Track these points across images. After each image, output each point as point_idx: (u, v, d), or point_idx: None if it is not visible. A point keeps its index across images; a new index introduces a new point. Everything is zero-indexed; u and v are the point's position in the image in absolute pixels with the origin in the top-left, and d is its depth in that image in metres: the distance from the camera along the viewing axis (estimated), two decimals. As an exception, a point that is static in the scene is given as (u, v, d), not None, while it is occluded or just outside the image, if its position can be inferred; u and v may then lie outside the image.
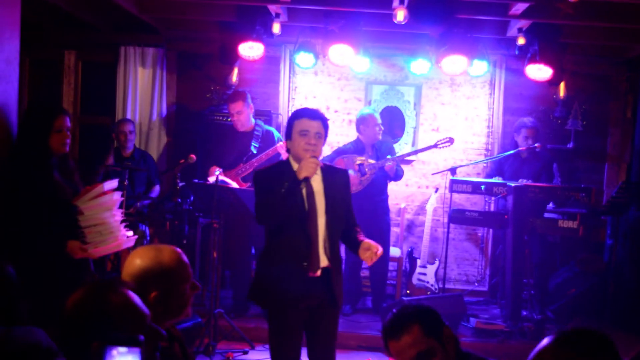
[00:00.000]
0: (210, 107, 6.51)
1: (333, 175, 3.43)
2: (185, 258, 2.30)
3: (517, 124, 6.14)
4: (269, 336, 3.43)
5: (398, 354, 2.22)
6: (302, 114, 3.34)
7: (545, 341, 1.74)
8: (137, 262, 2.21)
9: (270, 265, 3.36)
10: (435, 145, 5.86)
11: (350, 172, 5.65)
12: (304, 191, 3.29)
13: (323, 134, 3.35)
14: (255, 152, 5.56)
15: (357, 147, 5.90)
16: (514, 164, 6.09)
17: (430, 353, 2.20)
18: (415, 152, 6.14)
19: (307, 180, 3.24)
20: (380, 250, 3.27)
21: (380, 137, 5.92)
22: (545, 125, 6.59)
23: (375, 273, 6.02)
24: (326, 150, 6.37)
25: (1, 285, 2.28)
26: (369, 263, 3.29)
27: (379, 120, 5.89)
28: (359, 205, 5.70)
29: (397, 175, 5.90)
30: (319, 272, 3.32)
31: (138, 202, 5.73)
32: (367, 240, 3.31)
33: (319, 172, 3.37)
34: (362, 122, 5.88)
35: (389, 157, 5.76)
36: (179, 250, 2.30)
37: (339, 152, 5.91)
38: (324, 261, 3.34)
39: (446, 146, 5.88)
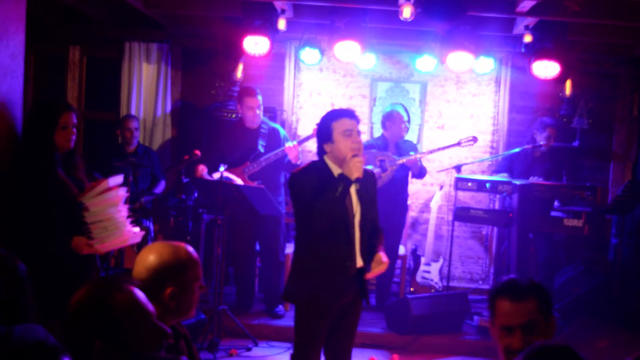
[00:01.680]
0: (215, 103, 6.50)
1: (364, 177, 3.43)
2: (197, 256, 2.33)
3: (539, 123, 6.06)
4: (299, 332, 3.42)
5: (508, 315, 2.20)
6: (341, 114, 3.35)
7: None
8: (152, 257, 2.24)
9: (312, 266, 3.37)
10: (459, 144, 5.84)
11: (370, 167, 5.66)
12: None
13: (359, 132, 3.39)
14: (262, 150, 5.54)
15: (381, 143, 5.90)
16: (524, 162, 6.07)
17: (537, 328, 2.19)
18: (439, 150, 6.01)
19: (358, 180, 3.27)
20: (383, 268, 3.36)
21: (405, 134, 5.92)
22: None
23: (383, 272, 6.01)
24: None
25: (12, 283, 2.28)
26: (368, 275, 3.38)
27: (406, 118, 5.89)
28: (380, 202, 5.71)
29: (421, 173, 5.91)
30: (355, 272, 3.38)
31: (142, 197, 5.73)
32: (378, 254, 3.37)
33: None
34: (389, 119, 5.88)
35: (411, 153, 5.76)
36: (192, 248, 2.33)
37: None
38: (359, 261, 3.39)
39: (470, 144, 5.86)
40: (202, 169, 5.42)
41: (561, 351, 1.71)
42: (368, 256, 3.43)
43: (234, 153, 5.58)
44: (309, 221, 3.33)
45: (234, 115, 6.22)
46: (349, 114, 3.35)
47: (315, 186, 3.26)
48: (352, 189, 3.35)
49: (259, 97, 5.55)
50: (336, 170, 3.33)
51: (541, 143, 5.91)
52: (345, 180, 3.24)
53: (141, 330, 1.81)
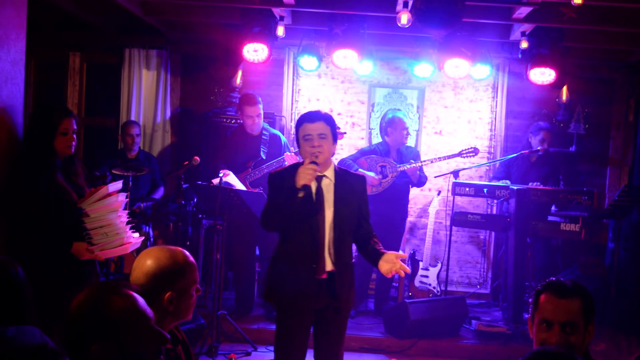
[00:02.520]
0: (214, 109, 6.53)
1: (347, 180, 3.41)
2: (194, 260, 2.35)
3: (534, 127, 6.13)
4: (275, 335, 3.44)
5: (550, 309, 2.27)
6: (303, 119, 3.33)
7: None
8: (150, 262, 2.24)
9: (280, 267, 3.38)
10: (460, 154, 5.87)
11: (372, 173, 5.69)
12: (314, 194, 3.29)
13: (328, 133, 3.30)
14: (264, 157, 5.57)
15: (382, 150, 5.91)
16: (521, 167, 6.11)
17: (576, 328, 2.25)
18: (439, 159, 6.06)
19: (305, 188, 3.19)
20: (406, 268, 3.24)
21: (406, 141, 5.94)
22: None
23: (383, 277, 6.03)
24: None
25: (11, 287, 2.30)
26: (388, 275, 3.26)
27: (408, 124, 5.91)
28: (379, 208, 5.75)
29: (420, 182, 5.92)
30: (324, 275, 3.32)
31: (142, 203, 5.76)
32: (391, 253, 3.29)
33: (331, 176, 3.36)
34: (390, 125, 5.88)
35: (412, 161, 5.77)
36: (188, 252, 2.35)
37: (363, 153, 5.94)
38: (328, 265, 3.33)
39: (470, 156, 5.88)
40: (227, 173, 5.42)
41: (560, 356, 1.72)
42: (372, 259, 3.37)
43: (236, 159, 5.61)
44: (266, 226, 3.38)
45: (233, 121, 6.26)
46: (309, 117, 3.31)
47: (281, 188, 3.26)
48: (327, 191, 3.34)
49: (259, 105, 5.58)
50: None
51: (538, 148, 5.95)
52: (290, 188, 3.20)
53: (139, 335, 1.81)
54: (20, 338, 2.15)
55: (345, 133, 5.58)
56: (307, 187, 3.20)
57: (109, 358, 1.78)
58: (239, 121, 5.84)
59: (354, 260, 3.53)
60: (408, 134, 5.93)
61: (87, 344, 1.76)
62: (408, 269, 3.27)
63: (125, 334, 1.79)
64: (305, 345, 3.40)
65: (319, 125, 3.27)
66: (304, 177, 3.17)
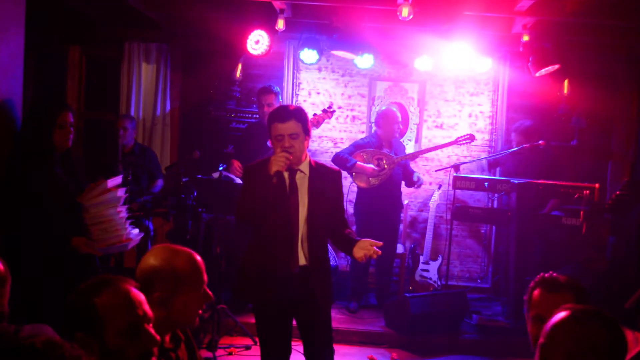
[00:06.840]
0: (214, 103, 6.51)
1: (323, 174, 3.38)
2: (200, 265, 2.25)
3: (522, 129, 6.07)
4: (256, 330, 3.42)
5: (540, 305, 2.29)
6: (274, 118, 3.27)
7: (561, 315, 1.78)
8: (150, 260, 2.21)
9: (252, 261, 3.36)
10: (456, 141, 5.89)
11: (371, 165, 5.70)
12: (287, 187, 3.28)
13: (300, 131, 3.25)
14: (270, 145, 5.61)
15: (375, 142, 5.92)
16: (509, 158, 6.08)
17: None
18: (435, 148, 6.09)
19: (278, 174, 3.18)
20: (378, 251, 3.17)
21: (397, 134, 5.94)
22: (549, 122, 6.58)
23: (381, 270, 6.04)
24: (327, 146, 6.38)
25: None
26: (362, 260, 3.20)
27: (400, 118, 5.91)
28: (376, 201, 5.76)
29: (411, 181, 5.93)
30: (296, 270, 3.29)
31: (140, 198, 5.74)
32: (366, 240, 3.22)
33: (306, 170, 3.33)
34: (382, 118, 5.90)
35: (409, 152, 5.78)
36: (197, 257, 2.26)
37: (357, 146, 5.94)
38: (301, 259, 3.31)
39: (467, 143, 5.90)
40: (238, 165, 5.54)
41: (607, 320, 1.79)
42: (346, 247, 3.31)
43: (248, 150, 5.71)
44: (240, 217, 3.36)
45: (233, 115, 6.29)
46: (279, 117, 3.25)
47: (256, 180, 3.24)
48: (302, 184, 3.31)
49: (272, 95, 5.73)
50: None
51: (539, 142, 5.91)
52: (263, 175, 3.19)
53: (122, 332, 1.80)
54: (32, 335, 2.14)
55: (334, 111, 5.62)
56: (280, 174, 3.19)
57: (89, 348, 1.78)
58: (239, 115, 5.86)
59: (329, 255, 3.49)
60: (399, 128, 5.93)
61: (73, 329, 1.79)
62: (379, 252, 3.19)
63: (105, 328, 1.79)
64: (284, 338, 3.37)
65: (289, 125, 3.23)
66: (277, 164, 3.17)
